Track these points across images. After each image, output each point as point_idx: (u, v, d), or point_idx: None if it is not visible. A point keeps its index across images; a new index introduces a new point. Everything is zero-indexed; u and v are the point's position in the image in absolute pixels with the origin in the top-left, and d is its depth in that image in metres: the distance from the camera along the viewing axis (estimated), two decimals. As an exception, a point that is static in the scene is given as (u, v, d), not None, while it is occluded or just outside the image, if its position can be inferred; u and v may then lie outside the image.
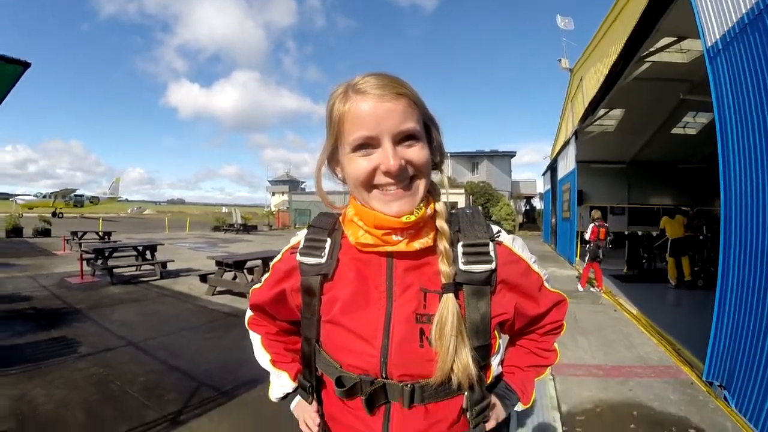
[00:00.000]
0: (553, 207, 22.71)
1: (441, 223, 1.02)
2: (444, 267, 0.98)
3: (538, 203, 45.89)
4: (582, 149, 16.20)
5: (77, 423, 3.59)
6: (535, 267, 1.13)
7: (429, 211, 1.01)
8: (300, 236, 1.14)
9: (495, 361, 1.14)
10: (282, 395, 1.34)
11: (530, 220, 44.20)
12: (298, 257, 1.08)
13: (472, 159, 44.30)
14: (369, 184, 0.96)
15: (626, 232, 14.33)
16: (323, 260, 1.05)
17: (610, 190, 23.33)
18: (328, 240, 1.08)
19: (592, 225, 10.34)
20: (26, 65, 4.79)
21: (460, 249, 1.01)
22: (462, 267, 0.99)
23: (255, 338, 1.36)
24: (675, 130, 17.86)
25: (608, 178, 23.24)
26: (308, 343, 1.12)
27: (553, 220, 22.37)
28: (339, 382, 1.02)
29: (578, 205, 15.59)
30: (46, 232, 23.12)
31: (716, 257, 4.50)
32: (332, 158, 1.05)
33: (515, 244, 1.11)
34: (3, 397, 3.98)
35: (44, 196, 49.32)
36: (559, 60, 16.20)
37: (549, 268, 14.06)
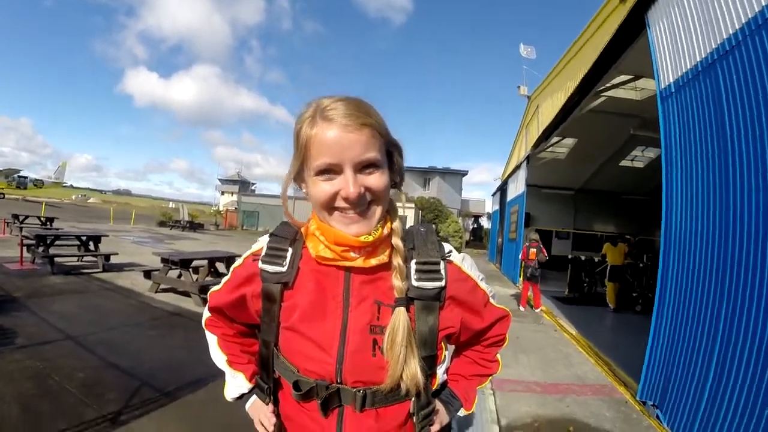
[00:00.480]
0: (500, 227, 23.18)
1: (396, 241, 1.09)
2: (397, 282, 1.05)
3: (485, 222, 46.87)
4: (533, 174, 16.67)
5: (12, 418, 3.44)
6: (482, 284, 1.22)
7: (386, 230, 1.08)
8: (262, 243, 1.18)
9: (440, 370, 1.23)
10: (237, 395, 1.36)
11: (477, 239, 45.07)
12: (260, 264, 1.13)
13: (425, 175, 44.81)
14: (330, 206, 1.01)
15: (570, 256, 14.75)
16: (284, 269, 1.10)
17: (557, 214, 24.07)
18: (290, 249, 1.13)
19: (524, 245, 10.77)
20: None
21: (413, 266, 1.08)
22: (414, 283, 1.06)
23: (211, 339, 1.38)
24: (623, 163, 18.65)
25: (556, 204, 23.98)
26: (266, 347, 1.17)
27: (500, 240, 22.83)
28: (296, 385, 1.08)
29: (525, 227, 15.99)
30: (-16, 213, 21.98)
31: (655, 284, 4.75)
32: (298, 176, 1.10)
33: (464, 263, 1.19)
34: (-70, 386, 3.78)
35: (-14, 174, 47.15)
36: (519, 87, 16.64)
37: (493, 286, 14.26)
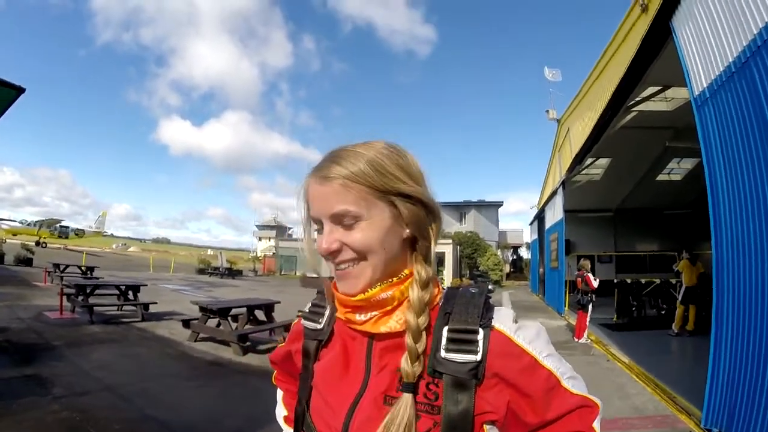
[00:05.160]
0: (540, 257, 22.86)
1: (409, 316, 0.89)
2: (405, 366, 0.86)
3: (525, 253, 46.38)
4: (569, 198, 16.43)
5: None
6: (547, 362, 0.89)
7: (391, 293, 0.91)
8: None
9: None
10: None
11: (517, 270, 44.66)
12: (302, 321, 1.11)
13: (460, 209, 44.71)
14: (326, 259, 0.94)
15: (615, 280, 14.28)
16: (320, 327, 1.07)
17: (597, 238, 23.58)
18: (328, 308, 1.07)
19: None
20: (20, 90, 4.75)
21: (444, 333, 0.88)
22: (442, 354, 0.86)
23: (279, 394, 1.36)
24: (660, 177, 18.26)
25: (595, 227, 23.53)
26: (299, 404, 1.10)
27: (541, 269, 22.43)
28: None
29: (566, 255, 15.61)
30: (27, 262, 22.88)
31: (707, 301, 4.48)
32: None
33: (519, 333, 0.90)
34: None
35: (29, 224, 49.50)
36: (547, 111, 16.57)
37: (538, 319, 13.89)
